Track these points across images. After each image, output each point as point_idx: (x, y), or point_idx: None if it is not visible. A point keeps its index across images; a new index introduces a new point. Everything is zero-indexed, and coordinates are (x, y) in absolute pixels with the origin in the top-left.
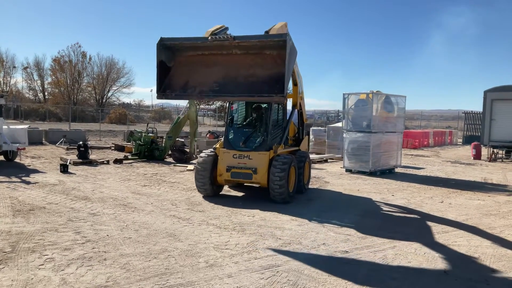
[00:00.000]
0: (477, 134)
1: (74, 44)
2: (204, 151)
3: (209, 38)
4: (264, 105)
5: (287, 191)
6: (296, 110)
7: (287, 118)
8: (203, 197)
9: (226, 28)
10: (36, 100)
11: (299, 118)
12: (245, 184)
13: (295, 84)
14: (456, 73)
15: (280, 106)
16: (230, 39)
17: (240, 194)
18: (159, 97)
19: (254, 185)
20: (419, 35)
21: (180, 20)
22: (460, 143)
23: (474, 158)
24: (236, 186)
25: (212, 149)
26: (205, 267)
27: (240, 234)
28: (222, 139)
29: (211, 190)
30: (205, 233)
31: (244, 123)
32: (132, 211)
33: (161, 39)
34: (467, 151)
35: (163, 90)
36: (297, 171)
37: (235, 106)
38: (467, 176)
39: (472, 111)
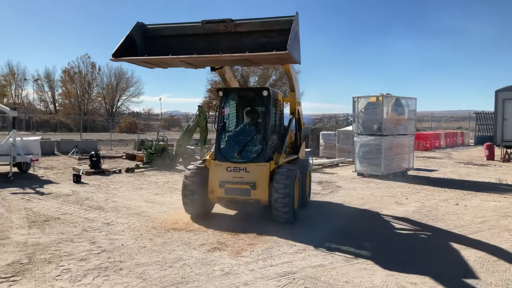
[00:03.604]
0: (489, 134)
1: (84, 55)
2: (192, 162)
3: (201, 21)
4: (261, 109)
5: (292, 210)
6: (294, 119)
7: (286, 124)
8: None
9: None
10: (47, 111)
11: (296, 124)
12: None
13: (292, 90)
14: (466, 73)
15: (277, 110)
16: (228, 21)
17: (232, 212)
18: (114, 57)
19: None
20: (429, 37)
21: None
22: (472, 144)
23: (487, 159)
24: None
25: (201, 161)
26: (220, 275)
27: (255, 240)
28: (212, 149)
29: (201, 209)
30: (220, 240)
31: (237, 129)
32: (146, 220)
33: (142, 25)
34: (480, 151)
35: (121, 53)
36: (301, 183)
37: (226, 110)
38: (481, 177)
39: (483, 111)
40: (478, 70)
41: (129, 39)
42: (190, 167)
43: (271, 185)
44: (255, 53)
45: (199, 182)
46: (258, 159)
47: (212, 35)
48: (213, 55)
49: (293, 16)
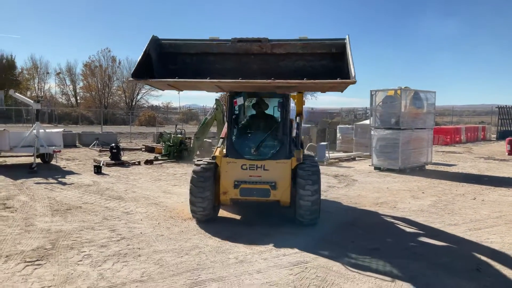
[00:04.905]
0: (511, 129)
1: (104, 49)
2: (199, 159)
3: (232, 39)
4: (278, 99)
5: (319, 209)
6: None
7: (295, 124)
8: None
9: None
10: (69, 104)
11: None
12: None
13: (300, 91)
14: (488, 67)
15: (291, 101)
16: (264, 41)
17: (238, 217)
18: (134, 78)
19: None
20: (446, 28)
21: (208, 23)
22: (494, 139)
23: (509, 154)
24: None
25: (210, 158)
26: (235, 263)
27: (269, 230)
28: (220, 144)
29: (212, 213)
30: (235, 230)
31: (252, 122)
32: (164, 210)
33: (157, 39)
34: (502, 146)
35: (142, 73)
36: None
37: (239, 101)
38: (501, 173)
39: (506, 106)
40: (500, 62)
41: (146, 56)
42: (198, 163)
43: (296, 183)
44: (317, 80)
45: (209, 182)
46: (278, 155)
47: (242, 55)
48: (265, 80)
49: (341, 39)
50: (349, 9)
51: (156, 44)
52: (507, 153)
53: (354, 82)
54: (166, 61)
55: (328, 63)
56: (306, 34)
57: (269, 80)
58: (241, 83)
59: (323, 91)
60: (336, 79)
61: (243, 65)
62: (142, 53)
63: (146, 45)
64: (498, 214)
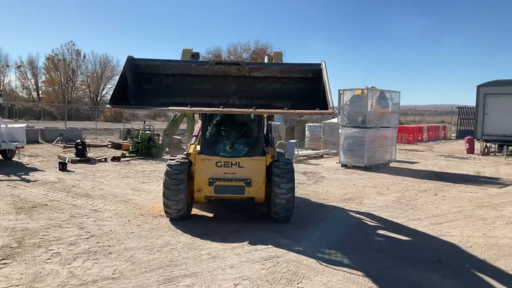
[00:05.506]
0: (470, 129)
1: (68, 42)
2: (172, 157)
3: (210, 62)
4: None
5: (293, 206)
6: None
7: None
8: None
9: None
10: (30, 98)
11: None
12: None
13: None
14: (450, 68)
15: None
16: (242, 64)
17: (210, 214)
18: (112, 105)
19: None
20: (410, 30)
21: (176, 15)
22: (454, 138)
23: (468, 152)
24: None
25: (184, 155)
26: (207, 259)
27: (241, 227)
28: (193, 141)
29: (186, 211)
30: (207, 226)
31: (227, 119)
32: (133, 207)
33: (132, 59)
34: (461, 145)
35: (122, 99)
36: None
37: None
38: (460, 170)
39: (465, 106)
40: (462, 65)
41: (123, 79)
42: (171, 164)
43: (271, 181)
44: (298, 111)
45: (184, 184)
46: (253, 152)
47: (219, 77)
48: (247, 110)
49: (317, 64)
50: (316, 6)
51: (131, 64)
52: (465, 151)
53: (332, 113)
54: (140, 81)
55: (304, 86)
56: (270, 34)
57: (251, 110)
58: (223, 111)
59: (300, 114)
60: (312, 104)
61: (220, 87)
62: (119, 77)
63: (123, 68)
64: (458, 209)
